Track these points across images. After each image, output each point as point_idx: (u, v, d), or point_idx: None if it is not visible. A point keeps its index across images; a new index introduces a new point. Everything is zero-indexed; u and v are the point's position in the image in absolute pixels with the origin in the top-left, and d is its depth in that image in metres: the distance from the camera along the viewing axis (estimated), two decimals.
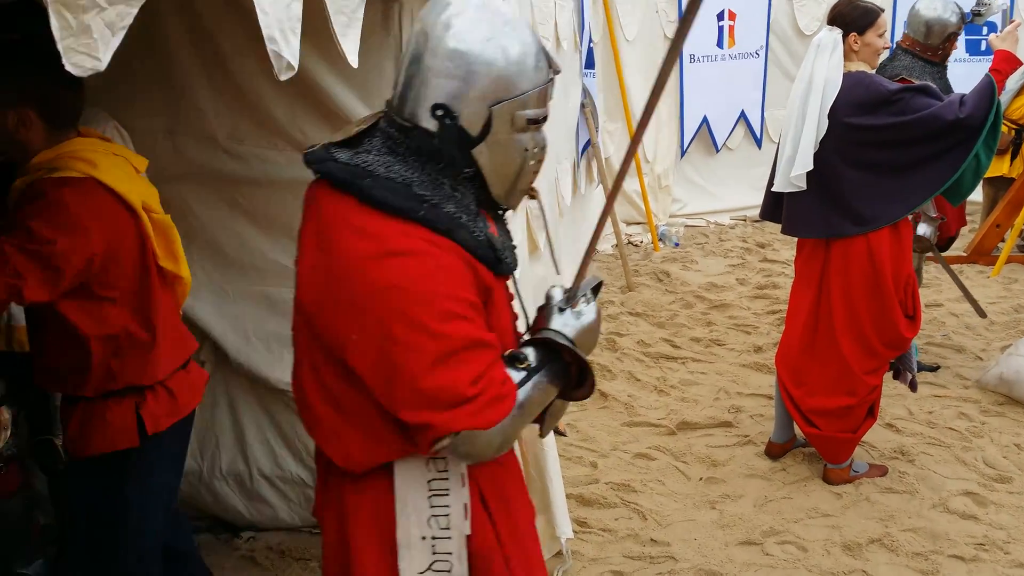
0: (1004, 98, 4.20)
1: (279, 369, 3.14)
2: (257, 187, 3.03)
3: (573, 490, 3.56)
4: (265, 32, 1.75)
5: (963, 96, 3.29)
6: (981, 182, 4.26)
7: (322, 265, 1.52)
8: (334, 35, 2.16)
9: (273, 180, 3.01)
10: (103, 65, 1.48)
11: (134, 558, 2.24)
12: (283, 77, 1.85)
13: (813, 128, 3.35)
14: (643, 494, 3.58)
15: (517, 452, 3.03)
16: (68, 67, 1.44)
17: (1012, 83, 5.44)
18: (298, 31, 1.88)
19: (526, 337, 1.75)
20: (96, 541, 2.22)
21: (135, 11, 1.52)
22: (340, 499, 1.65)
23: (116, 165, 2.16)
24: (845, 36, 3.35)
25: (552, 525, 3.02)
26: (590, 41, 6.10)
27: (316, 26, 2.17)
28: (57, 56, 1.91)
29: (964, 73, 5.50)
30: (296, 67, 1.87)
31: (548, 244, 4.72)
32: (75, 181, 2.02)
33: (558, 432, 4.08)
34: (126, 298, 2.13)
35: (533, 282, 4.48)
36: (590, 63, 6.10)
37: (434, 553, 1.61)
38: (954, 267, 5.12)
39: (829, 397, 3.50)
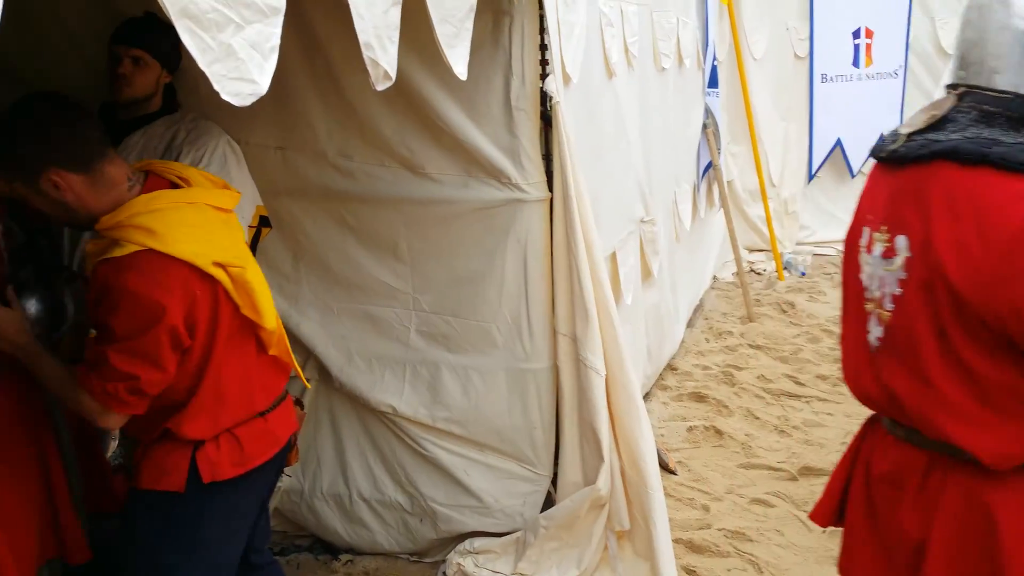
0: None
1: (379, 390, 3.08)
2: (364, 204, 2.99)
3: (682, 534, 3.34)
4: (361, 38, 1.67)
5: None
6: None
7: (973, 238, 1.47)
8: (439, 45, 2.08)
9: (379, 198, 2.97)
10: (263, 88, 1.40)
11: None
12: (380, 87, 1.77)
13: None
14: (759, 544, 3.32)
15: (621, 496, 2.86)
16: (225, 97, 1.35)
17: None
18: (395, 39, 1.79)
19: None
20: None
21: (278, 30, 1.44)
22: (968, 496, 1.56)
23: (183, 223, 1.97)
24: None
25: (656, 573, 2.82)
26: (714, 59, 5.88)
27: (424, 39, 2.10)
28: (43, 101, 1.89)
29: None
30: (393, 77, 1.78)
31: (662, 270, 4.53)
32: (134, 262, 1.88)
33: (668, 470, 3.87)
34: (188, 357, 2.00)
35: (644, 308, 4.30)
36: (713, 82, 5.87)
37: None
38: None
39: None
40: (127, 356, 1.88)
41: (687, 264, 5.57)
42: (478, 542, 3.03)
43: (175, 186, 2.05)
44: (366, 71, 2.79)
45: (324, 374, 3.17)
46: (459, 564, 2.97)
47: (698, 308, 6.10)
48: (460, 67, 2.21)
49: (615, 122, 3.73)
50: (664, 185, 4.86)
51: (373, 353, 3.09)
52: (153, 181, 2.03)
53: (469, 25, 2.22)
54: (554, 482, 3.04)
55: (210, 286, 1.97)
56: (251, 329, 2.11)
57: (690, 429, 4.29)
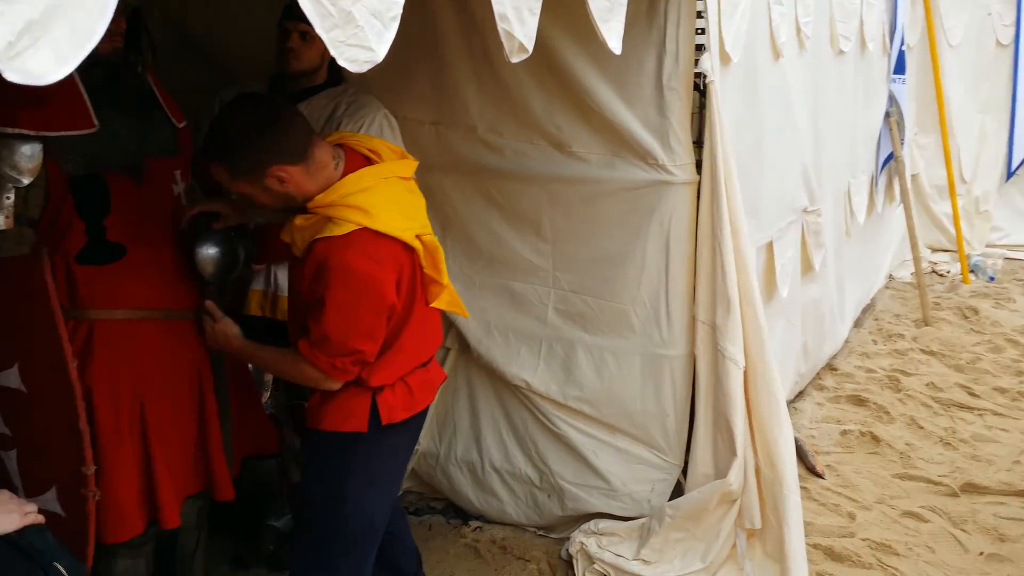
0: None
1: (515, 364, 3.12)
2: (510, 181, 3.03)
3: (822, 540, 3.18)
4: (496, 9, 1.67)
5: None
6: None
7: None
8: (592, 19, 2.05)
9: (526, 175, 2.99)
10: (380, 56, 1.44)
11: (349, 538, 2.26)
12: (514, 59, 1.77)
13: None
14: (907, 559, 3.10)
15: (753, 493, 2.76)
16: (342, 63, 1.39)
17: None
18: (536, 11, 1.79)
19: None
20: (316, 512, 2.27)
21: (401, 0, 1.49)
22: None
23: (389, 199, 2.11)
24: None
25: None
26: (902, 44, 5.48)
27: (577, 15, 2.08)
28: (260, 113, 1.99)
29: None
30: (530, 49, 1.78)
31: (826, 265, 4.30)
32: (352, 240, 2.00)
33: (814, 473, 3.69)
34: (389, 322, 2.15)
35: (803, 303, 4.10)
36: (899, 68, 5.47)
37: None
38: None
39: None
40: (351, 332, 2.04)
41: (858, 260, 5.25)
42: (603, 523, 3.02)
43: (368, 160, 2.17)
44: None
45: (464, 345, 3.25)
46: (582, 543, 2.97)
47: (868, 308, 5.75)
48: (614, 42, 2.17)
49: (780, 106, 3.56)
50: (836, 175, 4.60)
51: (511, 327, 3.13)
52: (351, 157, 2.15)
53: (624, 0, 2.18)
54: (685, 472, 2.98)
55: (410, 257, 2.11)
56: (425, 284, 2.24)
57: (844, 433, 4.06)
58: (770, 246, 3.58)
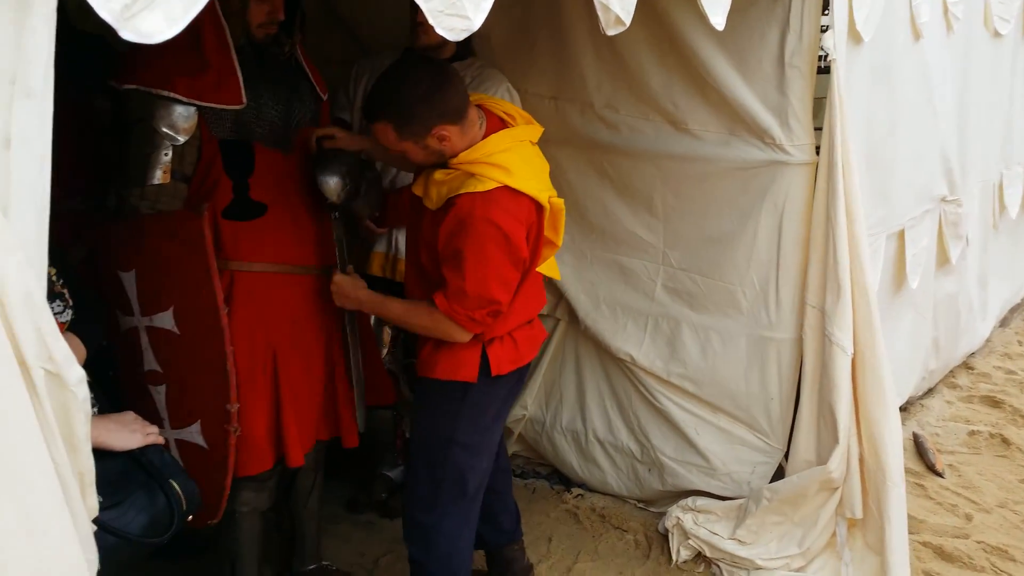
0: None
1: (620, 338, 3.16)
2: (624, 156, 3.05)
3: (933, 539, 3.07)
4: None
5: None
6: None
7: None
8: None
9: (640, 151, 3.01)
10: (476, 25, 1.52)
11: (459, 482, 2.38)
12: (610, 31, 1.80)
13: None
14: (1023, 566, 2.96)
15: (856, 483, 2.69)
16: (440, 31, 1.49)
17: None
18: None
19: None
20: (428, 457, 2.40)
21: None
22: None
23: (525, 160, 2.22)
24: None
25: (884, 569, 2.63)
26: None
27: None
28: (427, 74, 2.08)
29: None
30: (627, 22, 1.81)
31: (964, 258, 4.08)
32: (494, 195, 2.11)
33: (934, 471, 3.54)
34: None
35: (936, 296, 3.91)
36: None
37: None
38: None
39: None
40: (491, 284, 2.15)
41: (1007, 256, 4.93)
42: (700, 501, 3.03)
43: (503, 122, 2.29)
44: (640, 25, 2.85)
45: (572, 316, 3.31)
46: (678, 518, 3.00)
47: (1017, 308, 5.39)
48: (718, 17, 2.17)
49: (918, 89, 3.40)
50: (985, 165, 4.33)
51: (619, 302, 3.17)
52: (489, 118, 2.27)
53: None
54: (787, 457, 2.94)
55: (538, 216, 2.21)
56: (543, 245, 2.33)
57: (972, 433, 3.86)
58: (901, 234, 3.44)
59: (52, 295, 1.80)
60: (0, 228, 1.04)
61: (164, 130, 2.26)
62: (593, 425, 3.35)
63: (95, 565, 1.23)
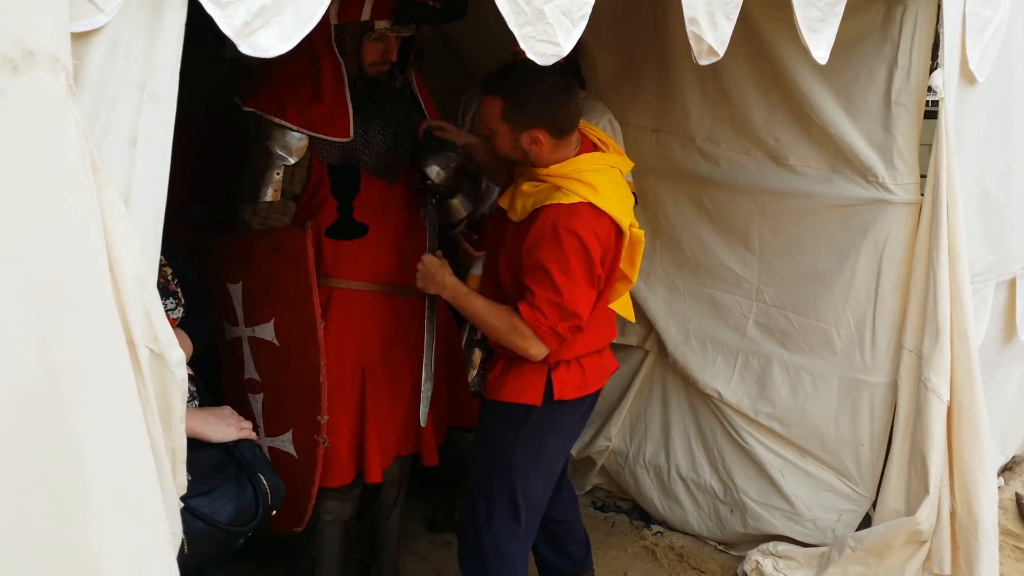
0: None
1: (709, 373, 3.13)
2: (722, 190, 3.05)
3: None
4: (687, 13, 1.75)
5: None
6: None
7: None
8: (798, 27, 2.08)
9: (739, 185, 3.00)
10: (565, 51, 1.58)
11: (514, 504, 2.39)
12: (703, 61, 1.83)
13: None
14: None
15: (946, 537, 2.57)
16: (532, 56, 1.55)
17: None
18: (733, 16, 1.84)
19: None
20: (486, 477, 2.42)
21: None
22: None
23: (612, 184, 2.26)
24: None
25: None
26: None
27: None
28: (551, 77, 2.15)
29: None
30: (721, 53, 1.84)
31: None
32: (578, 209, 2.17)
33: None
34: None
35: (1015, 382, 3.60)
36: None
37: None
38: None
39: None
40: (576, 296, 2.17)
41: None
42: (782, 546, 2.95)
43: (596, 147, 2.35)
44: (746, 60, 2.86)
45: (662, 349, 3.30)
46: (758, 562, 2.93)
47: None
48: (821, 52, 2.16)
49: None
50: None
51: (709, 336, 3.15)
52: (584, 142, 2.34)
53: (839, 10, 2.16)
54: (875, 505, 2.83)
55: (616, 242, 2.24)
56: (618, 279, 2.36)
57: None
58: (1012, 282, 3.29)
59: (166, 292, 1.93)
60: (121, 216, 1.15)
61: (277, 151, 2.39)
62: (677, 461, 3.31)
63: (179, 538, 1.31)
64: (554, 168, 2.22)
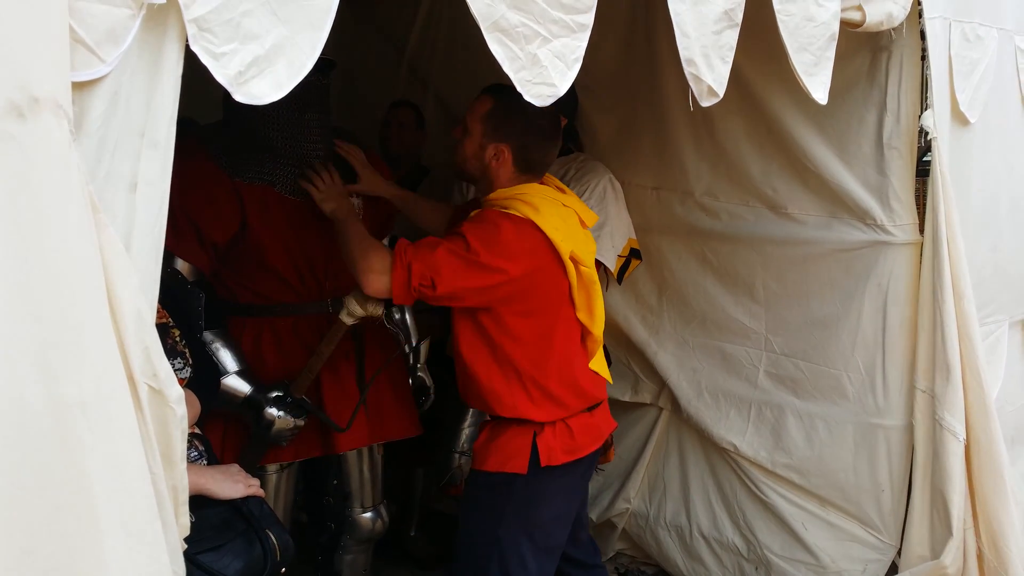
0: None
1: (723, 426, 3.11)
2: (724, 243, 3.08)
3: None
4: (683, 55, 1.79)
5: None
6: None
7: None
8: (795, 72, 2.13)
9: (740, 237, 3.04)
10: (561, 91, 1.63)
11: None
12: (704, 103, 1.87)
13: None
14: None
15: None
16: (528, 98, 1.60)
17: None
18: (728, 59, 1.89)
19: None
20: (471, 552, 2.30)
21: (583, 44, 1.65)
22: None
23: (559, 216, 2.24)
24: None
25: None
26: None
27: (794, 76, 2.15)
28: (542, 112, 2.21)
29: None
30: (720, 93, 1.88)
31: None
32: (516, 218, 2.19)
33: None
34: (528, 337, 2.22)
35: None
36: None
37: None
38: None
39: None
40: (453, 260, 2.09)
41: None
42: None
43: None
44: (739, 114, 2.93)
45: (675, 405, 3.28)
46: None
47: None
48: (820, 93, 2.20)
49: None
50: None
51: (721, 389, 3.13)
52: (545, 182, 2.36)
53: (830, 53, 2.21)
54: (900, 552, 2.76)
55: (559, 270, 2.21)
56: (583, 336, 2.34)
57: None
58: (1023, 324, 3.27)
59: (174, 352, 1.97)
60: (121, 256, 1.19)
61: None
62: (698, 520, 3.25)
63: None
64: (499, 191, 2.24)
